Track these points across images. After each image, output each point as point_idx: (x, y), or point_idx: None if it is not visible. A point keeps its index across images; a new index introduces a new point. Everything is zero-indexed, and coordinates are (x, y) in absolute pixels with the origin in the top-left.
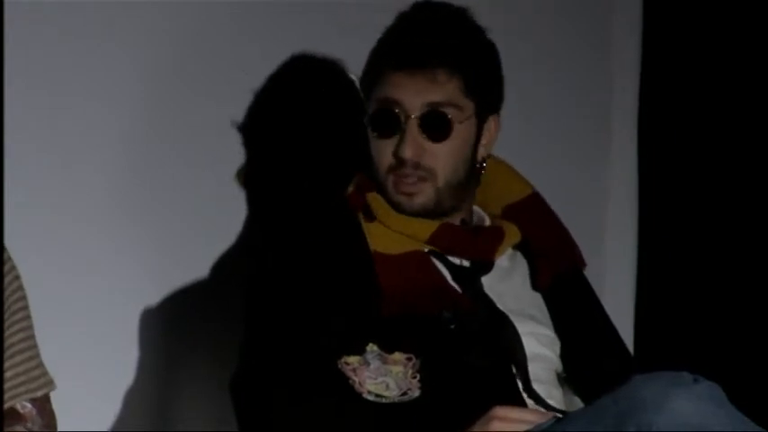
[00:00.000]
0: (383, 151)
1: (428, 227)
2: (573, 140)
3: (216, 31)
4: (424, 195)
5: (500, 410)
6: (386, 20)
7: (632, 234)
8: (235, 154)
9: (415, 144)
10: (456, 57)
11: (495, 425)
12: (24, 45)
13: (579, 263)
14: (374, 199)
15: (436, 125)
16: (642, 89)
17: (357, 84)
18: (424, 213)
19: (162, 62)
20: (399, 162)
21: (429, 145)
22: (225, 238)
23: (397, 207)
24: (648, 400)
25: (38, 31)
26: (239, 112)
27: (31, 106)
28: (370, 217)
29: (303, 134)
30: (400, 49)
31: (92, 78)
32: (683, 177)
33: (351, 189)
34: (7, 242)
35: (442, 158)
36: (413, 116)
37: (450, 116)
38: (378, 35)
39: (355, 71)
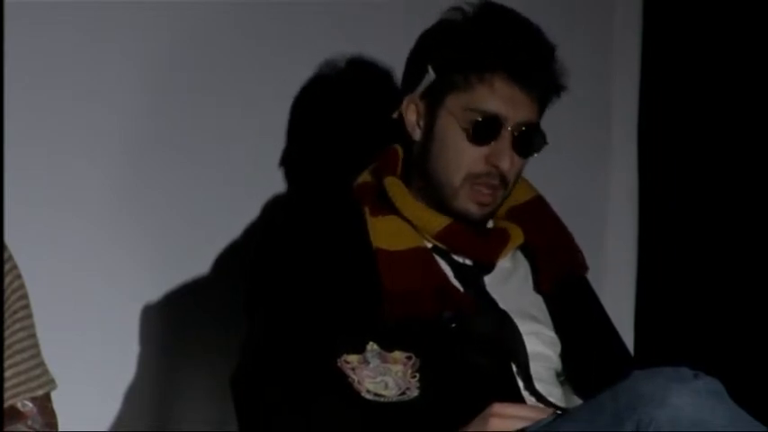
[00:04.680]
0: (473, 157)
1: (440, 222)
2: (573, 141)
3: (216, 31)
4: (492, 205)
5: (498, 407)
6: (386, 19)
7: (632, 234)
8: (235, 153)
9: (511, 156)
10: (556, 87)
11: (494, 422)
12: (24, 45)
13: (581, 268)
14: (393, 183)
15: (530, 142)
16: (642, 89)
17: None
18: (475, 221)
19: (162, 62)
20: (490, 171)
21: (515, 158)
22: (225, 238)
23: (460, 214)
24: (648, 396)
25: (38, 31)
26: (239, 112)
27: (31, 106)
28: (375, 211)
29: (307, 129)
30: (519, 64)
31: (92, 78)
32: (682, 177)
33: (360, 180)
34: (8, 241)
35: (517, 172)
36: (512, 129)
37: (545, 135)
38: (381, 33)
39: (357, 68)
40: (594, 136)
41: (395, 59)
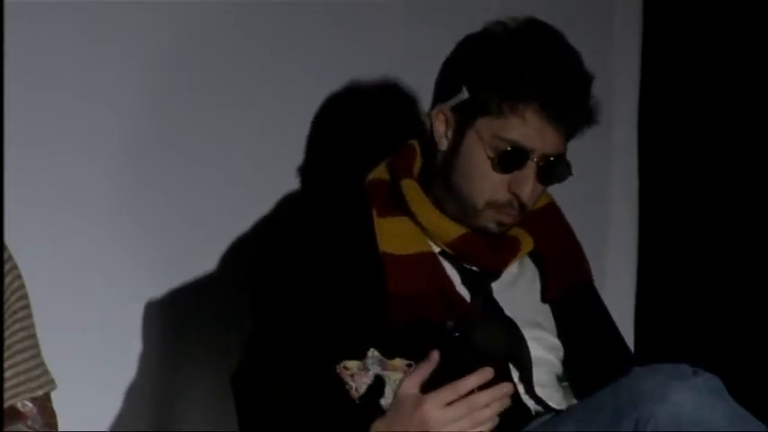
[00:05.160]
0: (496, 184)
1: (455, 230)
2: (574, 142)
3: (216, 31)
4: (510, 225)
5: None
6: (386, 19)
7: (632, 234)
8: (235, 153)
9: (534, 186)
10: (588, 122)
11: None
12: (24, 45)
13: (587, 278)
14: (411, 187)
15: (554, 172)
16: (642, 89)
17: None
18: (493, 236)
19: (162, 62)
20: (511, 200)
21: (537, 186)
22: (225, 238)
23: (479, 230)
24: (648, 393)
25: (38, 31)
26: (239, 112)
27: (31, 106)
28: (385, 211)
29: (308, 129)
30: (554, 100)
31: (92, 78)
32: (682, 177)
33: (374, 176)
34: (8, 241)
35: (537, 197)
36: (537, 161)
37: (569, 165)
38: (381, 33)
39: (356, 69)
40: (595, 136)
41: (395, 59)
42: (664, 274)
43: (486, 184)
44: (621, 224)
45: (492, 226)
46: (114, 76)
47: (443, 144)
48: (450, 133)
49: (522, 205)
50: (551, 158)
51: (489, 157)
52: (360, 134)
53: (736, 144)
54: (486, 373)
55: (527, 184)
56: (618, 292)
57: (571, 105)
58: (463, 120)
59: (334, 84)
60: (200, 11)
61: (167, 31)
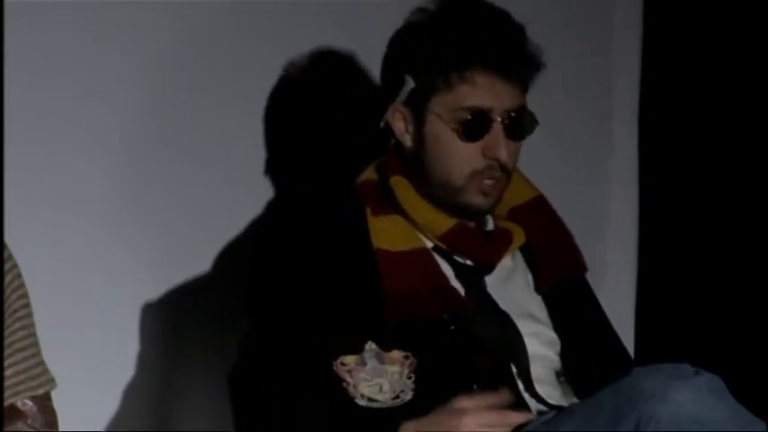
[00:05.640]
0: (470, 153)
1: (446, 222)
2: (574, 141)
3: (216, 31)
4: (497, 195)
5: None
6: (386, 19)
7: (632, 234)
8: (235, 153)
9: (507, 145)
10: (535, 66)
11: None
12: (24, 45)
13: (581, 268)
14: (399, 183)
15: (521, 125)
16: (642, 89)
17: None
18: (483, 212)
19: (162, 62)
20: (490, 164)
21: (510, 145)
22: (225, 238)
23: (468, 208)
24: (649, 392)
25: (38, 31)
26: (239, 112)
27: (31, 106)
28: (377, 210)
29: (306, 129)
30: (495, 55)
31: (92, 78)
32: (682, 177)
33: (364, 177)
34: (8, 241)
35: (516, 157)
36: (501, 119)
37: (533, 115)
38: (381, 33)
39: (357, 68)
40: (595, 136)
41: None
42: (664, 274)
43: (460, 158)
44: (621, 224)
45: (478, 200)
46: (114, 76)
47: (408, 140)
48: (410, 128)
49: (502, 167)
50: (513, 113)
51: (453, 129)
52: (359, 134)
53: (737, 144)
54: (528, 414)
55: (499, 144)
56: (618, 292)
57: (513, 55)
58: (417, 107)
59: (334, 84)
60: (200, 11)
61: (167, 31)
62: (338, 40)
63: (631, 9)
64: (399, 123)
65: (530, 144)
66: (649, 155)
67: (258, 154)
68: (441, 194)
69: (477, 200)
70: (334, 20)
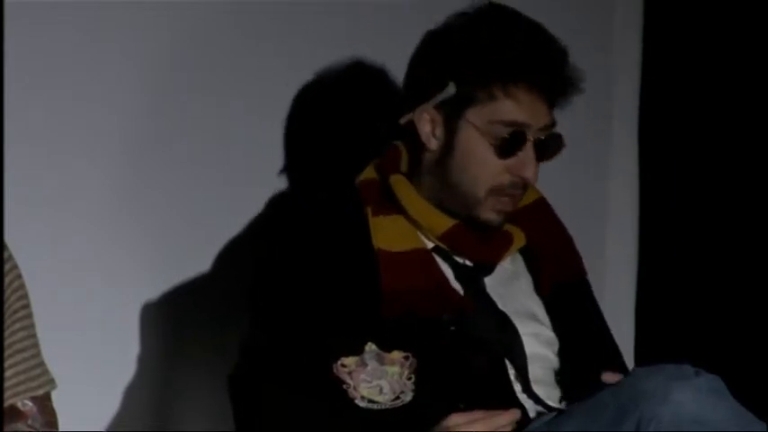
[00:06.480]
0: (498, 169)
1: (446, 222)
2: (574, 142)
3: (216, 31)
4: (509, 212)
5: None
6: (387, 19)
7: (632, 234)
8: (235, 153)
9: (535, 165)
10: (575, 91)
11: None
12: (24, 45)
13: (580, 273)
14: (399, 181)
15: (550, 147)
16: (643, 89)
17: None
18: (493, 229)
19: (162, 62)
20: (514, 182)
21: (536, 164)
22: (225, 238)
23: (481, 223)
24: (650, 392)
25: (38, 31)
26: (239, 112)
27: (31, 106)
28: (378, 210)
29: (307, 128)
30: (540, 74)
31: (92, 78)
32: (682, 177)
33: (364, 176)
34: (8, 241)
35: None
36: (534, 138)
37: (561, 137)
38: (381, 33)
39: (356, 69)
40: (595, 136)
41: (395, 59)
42: (664, 274)
43: (487, 172)
44: (621, 224)
45: (493, 217)
46: (114, 76)
47: (433, 144)
48: (438, 131)
49: (525, 187)
50: (545, 134)
51: (491, 144)
52: (360, 134)
53: (737, 144)
54: (516, 414)
55: (529, 164)
56: (618, 292)
57: (557, 76)
58: (452, 114)
59: (334, 84)
60: (200, 11)
61: (167, 31)
62: (338, 39)
63: (631, 9)
64: (427, 125)
65: None
66: (649, 155)
67: (258, 154)
68: (453, 203)
69: (491, 216)
70: (334, 20)
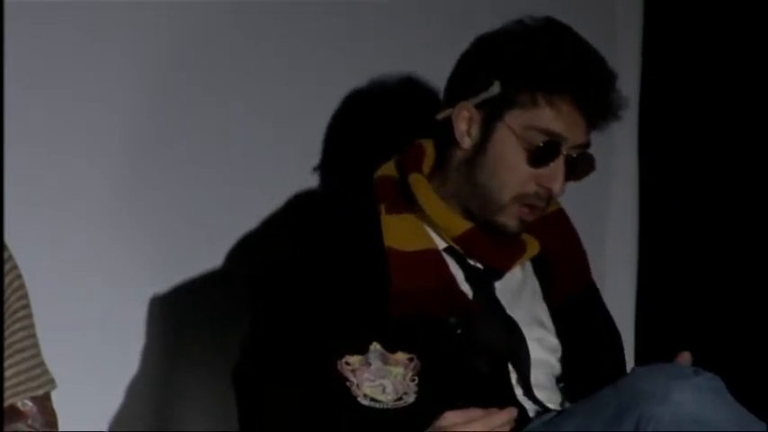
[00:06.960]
0: (526, 177)
1: (463, 225)
2: None
3: (216, 31)
4: (530, 223)
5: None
6: (387, 19)
7: (632, 234)
8: (235, 153)
9: (563, 179)
10: (616, 117)
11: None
12: (24, 45)
13: (588, 284)
14: (419, 180)
15: (582, 166)
16: (643, 89)
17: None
18: (511, 235)
19: (162, 62)
20: (539, 193)
21: (564, 179)
22: (225, 238)
23: (499, 228)
24: (650, 392)
25: (38, 31)
26: (239, 112)
27: (31, 106)
28: (392, 208)
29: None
30: (588, 91)
31: (92, 78)
32: (682, 177)
33: (382, 172)
34: (8, 241)
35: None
36: (567, 153)
37: (593, 160)
38: (381, 33)
39: (356, 69)
40: (595, 135)
41: (395, 59)
42: (664, 274)
43: (515, 178)
44: (621, 224)
45: (513, 224)
46: (114, 76)
47: (466, 142)
48: (474, 130)
49: (549, 200)
50: (577, 151)
51: (525, 150)
52: (359, 134)
53: (737, 144)
54: (513, 412)
55: (559, 177)
56: (618, 292)
57: (602, 97)
58: (491, 115)
59: (334, 84)
60: (200, 11)
61: (167, 31)
62: (338, 40)
63: (632, 9)
64: (463, 123)
65: None
66: (649, 155)
67: (258, 154)
68: (475, 204)
69: (511, 223)
70: (335, 20)
